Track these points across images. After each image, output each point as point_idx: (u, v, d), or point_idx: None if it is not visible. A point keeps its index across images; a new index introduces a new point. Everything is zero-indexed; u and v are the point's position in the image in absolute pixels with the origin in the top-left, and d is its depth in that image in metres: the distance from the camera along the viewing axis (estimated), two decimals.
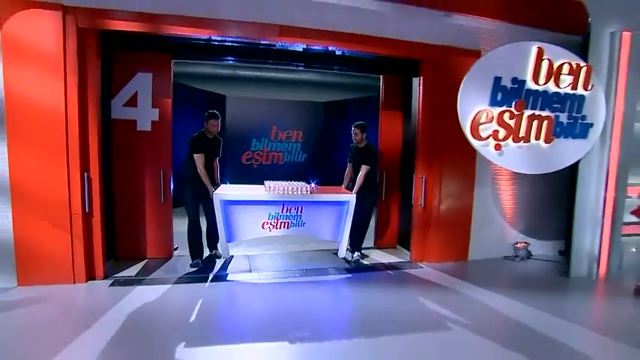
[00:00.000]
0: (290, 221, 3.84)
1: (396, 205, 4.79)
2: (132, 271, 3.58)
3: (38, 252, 3.09)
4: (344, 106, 7.61)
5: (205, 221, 4.03)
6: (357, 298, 3.36)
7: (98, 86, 3.30)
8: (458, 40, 4.02)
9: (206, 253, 4.04)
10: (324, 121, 7.95)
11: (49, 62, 2.97)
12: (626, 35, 3.68)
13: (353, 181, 4.19)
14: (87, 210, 3.20)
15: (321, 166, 7.67)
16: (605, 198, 3.87)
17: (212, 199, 3.63)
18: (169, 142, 3.88)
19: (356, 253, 4.23)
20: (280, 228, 3.82)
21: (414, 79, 4.34)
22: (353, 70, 5.05)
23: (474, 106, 3.27)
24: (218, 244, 3.91)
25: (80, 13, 3.01)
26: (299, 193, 3.74)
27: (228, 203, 3.62)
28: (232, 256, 4.13)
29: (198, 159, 3.64)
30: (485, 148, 3.34)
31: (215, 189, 3.71)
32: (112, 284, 3.27)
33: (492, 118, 3.29)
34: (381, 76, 4.63)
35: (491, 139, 3.32)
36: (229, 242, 3.73)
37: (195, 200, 3.81)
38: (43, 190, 3.05)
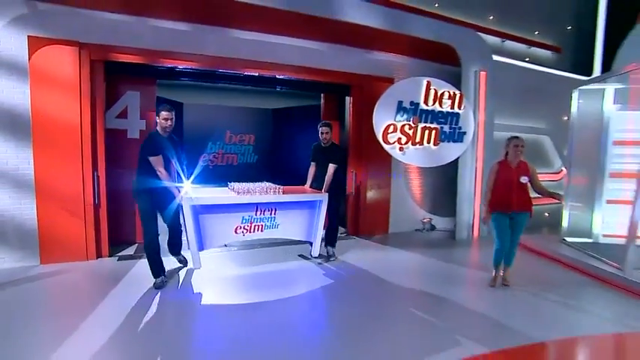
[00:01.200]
0: (264, 224, 3.88)
1: None
2: (130, 251, 4.62)
3: (57, 236, 4.02)
4: (291, 113, 9.04)
5: (168, 230, 3.88)
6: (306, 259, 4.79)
7: (103, 104, 4.31)
8: (377, 71, 5.71)
9: (169, 263, 3.95)
10: (274, 125, 9.30)
11: (68, 86, 3.95)
12: (483, 74, 5.69)
13: (318, 179, 4.43)
14: (96, 202, 4.21)
15: (271, 166, 9.01)
16: (475, 181, 5.85)
17: (173, 205, 3.61)
18: None
19: (330, 249, 4.57)
20: (254, 232, 3.84)
21: (346, 97, 5.95)
22: (300, 91, 6.48)
23: (384, 121, 4.94)
24: (181, 254, 4.00)
25: (93, 49, 4.04)
26: (271, 193, 3.87)
27: (199, 208, 3.55)
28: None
29: (156, 161, 3.43)
30: (392, 150, 5.02)
31: (179, 191, 3.62)
32: (119, 259, 4.31)
33: (397, 128, 4.99)
34: (322, 95, 6.18)
35: (396, 143, 5.01)
36: (201, 251, 3.71)
37: (154, 210, 3.60)
38: (62, 186, 4.00)
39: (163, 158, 3.49)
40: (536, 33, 8.56)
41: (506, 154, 3.74)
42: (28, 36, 3.79)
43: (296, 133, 8.75)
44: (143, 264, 4.20)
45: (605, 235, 5.11)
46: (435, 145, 5.37)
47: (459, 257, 5.12)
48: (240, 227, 3.77)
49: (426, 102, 5.24)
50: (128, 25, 4.22)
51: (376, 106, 4.89)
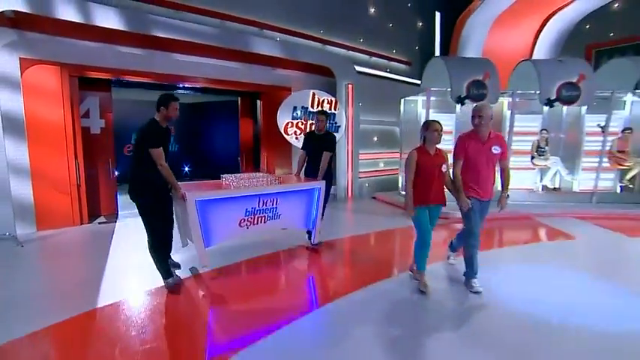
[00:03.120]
0: (267, 215, 3.87)
1: (252, 171, 8.70)
2: (102, 219, 6.28)
3: (50, 209, 5.56)
4: (210, 106, 10.91)
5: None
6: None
7: (79, 109, 5.86)
8: (279, 82, 8.18)
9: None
10: (194, 117, 11.05)
11: (53, 96, 5.45)
12: (350, 86, 8.66)
13: (311, 167, 4.55)
14: (78, 183, 5.81)
15: (191, 153, 10.81)
16: (348, 159, 8.87)
17: (170, 203, 3.49)
18: (112, 140, 6.59)
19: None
20: (258, 223, 3.82)
21: (258, 100, 8.30)
22: (223, 95, 8.58)
23: (284, 119, 7.49)
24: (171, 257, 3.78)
25: (71, 67, 5.58)
26: (272, 184, 3.87)
27: (204, 203, 3.49)
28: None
29: (157, 154, 3.18)
30: (291, 139, 7.63)
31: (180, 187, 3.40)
32: (100, 223, 6.00)
33: (293, 124, 7.60)
34: (239, 98, 8.42)
35: (293, 134, 7.63)
36: (207, 247, 3.58)
37: (160, 207, 3.41)
38: (52, 171, 5.53)
39: (163, 151, 3.24)
40: (394, 51, 12.06)
41: (424, 140, 3.36)
42: (20, 57, 5.18)
43: (214, 124, 10.73)
44: (120, 225, 6.01)
45: None
46: None
47: (343, 207, 8.08)
48: (244, 220, 3.78)
49: (312, 106, 7.97)
50: (98, 49, 5.82)
51: (279, 109, 7.41)
